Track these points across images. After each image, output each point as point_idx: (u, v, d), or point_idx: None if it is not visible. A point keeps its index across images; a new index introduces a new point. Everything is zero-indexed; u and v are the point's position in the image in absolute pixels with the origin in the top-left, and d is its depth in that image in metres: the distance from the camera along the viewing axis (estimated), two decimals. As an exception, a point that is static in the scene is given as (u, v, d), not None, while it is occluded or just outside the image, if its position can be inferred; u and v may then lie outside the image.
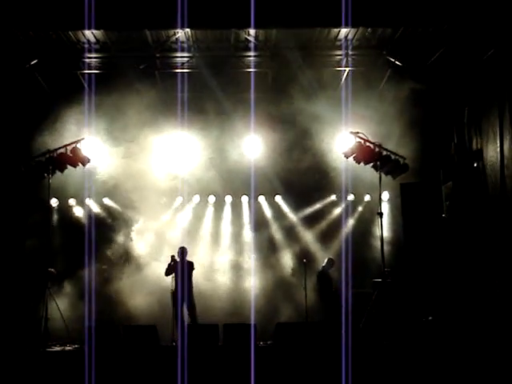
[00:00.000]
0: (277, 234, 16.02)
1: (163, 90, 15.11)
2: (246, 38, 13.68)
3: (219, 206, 16.20)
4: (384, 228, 13.22)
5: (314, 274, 14.30)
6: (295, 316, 14.10)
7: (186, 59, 14.20)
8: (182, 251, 13.43)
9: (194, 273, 13.49)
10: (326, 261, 14.47)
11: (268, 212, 16.22)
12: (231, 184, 15.47)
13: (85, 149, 13.50)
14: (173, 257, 13.22)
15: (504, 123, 12.50)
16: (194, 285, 13.46)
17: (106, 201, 15.83)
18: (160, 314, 13.59)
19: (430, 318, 11.97)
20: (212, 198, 16.12)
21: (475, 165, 13.67)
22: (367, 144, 13.23)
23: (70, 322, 12.70)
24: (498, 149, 12.67)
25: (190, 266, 13.45)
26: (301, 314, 13.53)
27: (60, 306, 12.67)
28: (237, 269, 15.71)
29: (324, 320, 12.78)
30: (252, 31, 13.35)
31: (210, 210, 16.21)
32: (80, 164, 13.41)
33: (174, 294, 12.99)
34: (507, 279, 11.96)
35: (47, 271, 13.34)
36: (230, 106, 14.57)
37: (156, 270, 14.56)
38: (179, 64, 14.31)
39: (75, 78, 14.62)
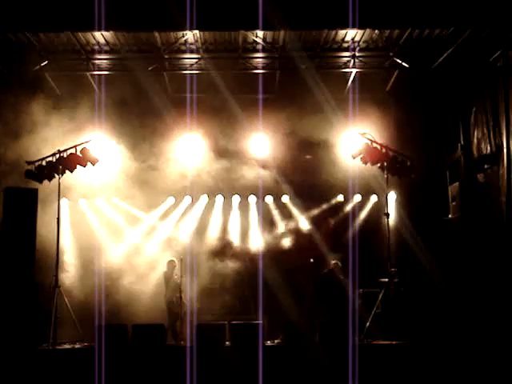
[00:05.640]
0: (284, 233, 16.09)
1: (172, 91, 15.29)
2: (254, 40, 13.75)
3: (227, 205, 16.30)
4: (390, 228, 13.30)
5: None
6: (303, 315, 14.16)
7: (194, 60, 14.30)
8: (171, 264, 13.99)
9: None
10: (332, 263, 14.40)
11: (275, 212, 16.30)
12: (239, 184, 15.53)
13: (94, 149, 13.68)
14: None
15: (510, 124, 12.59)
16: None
17: (116, 201, 15.96)
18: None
19: None
20: (220, 198, 16.22)
21: (486, 166, 13.70)
22: (374, 145, 13.33)
23: (80, 320, 12.79)
24: (505, 150, 12.73)
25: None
26: (308, 313, 13.60)
27: (70, 304, 12.80)
28: (243, 267, 15.75)
29: (332, 319, 12.83)
30: (260, 33, 13.41)
31: (217, 210, 16.30)
32: (89, 164, 13.58)
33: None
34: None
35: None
36: (238, 106, 14.63)
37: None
38: (188, 65, 14.42)
39: (85, 79, 14.78)
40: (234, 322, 12.02)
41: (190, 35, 13.34)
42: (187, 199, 16.06)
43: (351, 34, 13.49)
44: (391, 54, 14.12)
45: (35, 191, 13.17)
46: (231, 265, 15.38)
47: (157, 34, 13.31)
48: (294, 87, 14.62)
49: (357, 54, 14.19)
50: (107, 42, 13.76)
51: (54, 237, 12.97)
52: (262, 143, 15.01)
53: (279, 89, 15.46)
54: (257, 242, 15.80)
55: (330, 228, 15.93)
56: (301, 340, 11.33)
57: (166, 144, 15.01)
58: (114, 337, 11.35)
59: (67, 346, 12.07)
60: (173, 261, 14.17)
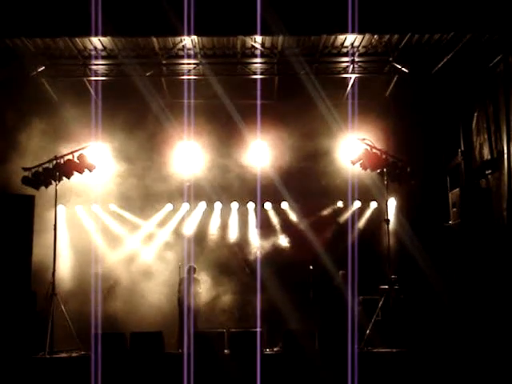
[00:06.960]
0: (283, 240, 16.01)
1: (169, 96, 15.22)
2: (253, 45, 13.69)
3: (225, 212, 16.21)
4: (391, 234, 13.23)
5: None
6: (302, 323, 14.06)
7: (192, 66, 14.22)
8: (190, 269, 13.80)
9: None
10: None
11: (274, 218, 16.22)
12: (237, 190, 15.45)
13: (91, 155, 13.62)
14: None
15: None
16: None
17: (113, 207, 15.88)
18: (166, 320, 13.67)
19: None
20: (218, 205, 16.14)
21: (487, 172, 13.61)
22: (374, 151, 13.27)
23: (77, 328, 12.68)
24: (506, 155, 12.66)
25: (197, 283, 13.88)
26: (308, 321, 13.51)
27: (67, 312, 12.70)
28: (242, 275, 15.66)
29: (331, 327, 12.74)
30: (258, 38, 13.34)
31: (216, 216, 16.22)
32: (86, 170, 13.53)
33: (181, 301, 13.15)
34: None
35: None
36: (236, 112, 14.57)
37: (162, 277, 14.65)
38: (186, 71, 14.34)
39: (82, 85, 14.71)
40: (232, 330, 11.95)
41: (188, 40, 13.27)
42: (185, 206, 15.96)
43: (350, 39, 13.42)
44: (390, 59, 14.04)
45: (32, 198, 13.09)
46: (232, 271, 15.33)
47: (154, 40, 13.24)
48: (293, 93, 14.56)
49: (356, 59, 14.12)
50: (104, 48, 13.69)
51: (51, 244, 12.90)
52: (260, 149, 14.94)
53: (278, 94, 15.40)
54: (256, 249, 15.71)
55: (330, 235, 15.85)
56: (300, 348, 11.22)
57: (164, 150, 14.98)
58: (111, 345, 11.28)
59: (64, 355, 11.99)
60: (192, 267, 14.03)
